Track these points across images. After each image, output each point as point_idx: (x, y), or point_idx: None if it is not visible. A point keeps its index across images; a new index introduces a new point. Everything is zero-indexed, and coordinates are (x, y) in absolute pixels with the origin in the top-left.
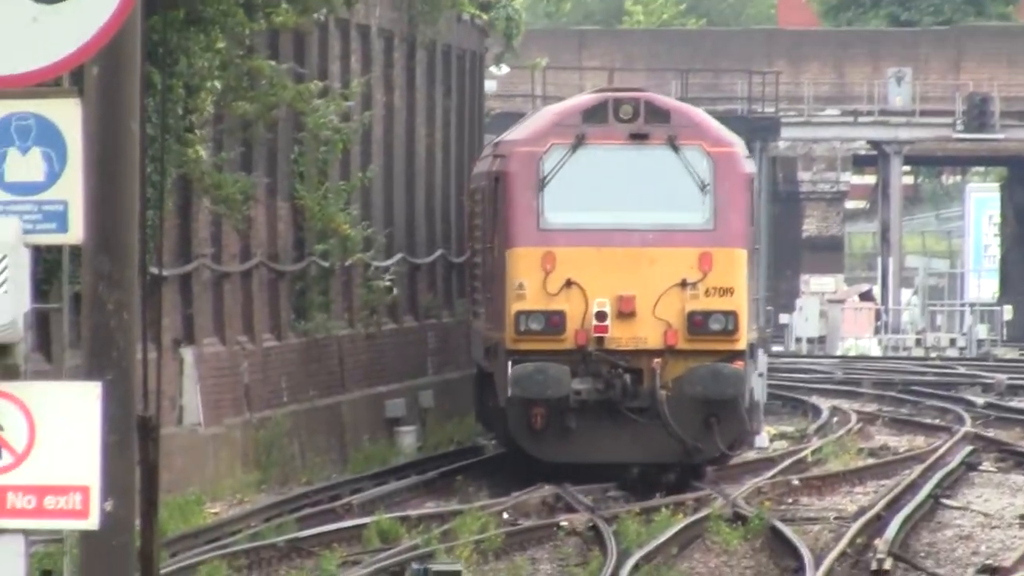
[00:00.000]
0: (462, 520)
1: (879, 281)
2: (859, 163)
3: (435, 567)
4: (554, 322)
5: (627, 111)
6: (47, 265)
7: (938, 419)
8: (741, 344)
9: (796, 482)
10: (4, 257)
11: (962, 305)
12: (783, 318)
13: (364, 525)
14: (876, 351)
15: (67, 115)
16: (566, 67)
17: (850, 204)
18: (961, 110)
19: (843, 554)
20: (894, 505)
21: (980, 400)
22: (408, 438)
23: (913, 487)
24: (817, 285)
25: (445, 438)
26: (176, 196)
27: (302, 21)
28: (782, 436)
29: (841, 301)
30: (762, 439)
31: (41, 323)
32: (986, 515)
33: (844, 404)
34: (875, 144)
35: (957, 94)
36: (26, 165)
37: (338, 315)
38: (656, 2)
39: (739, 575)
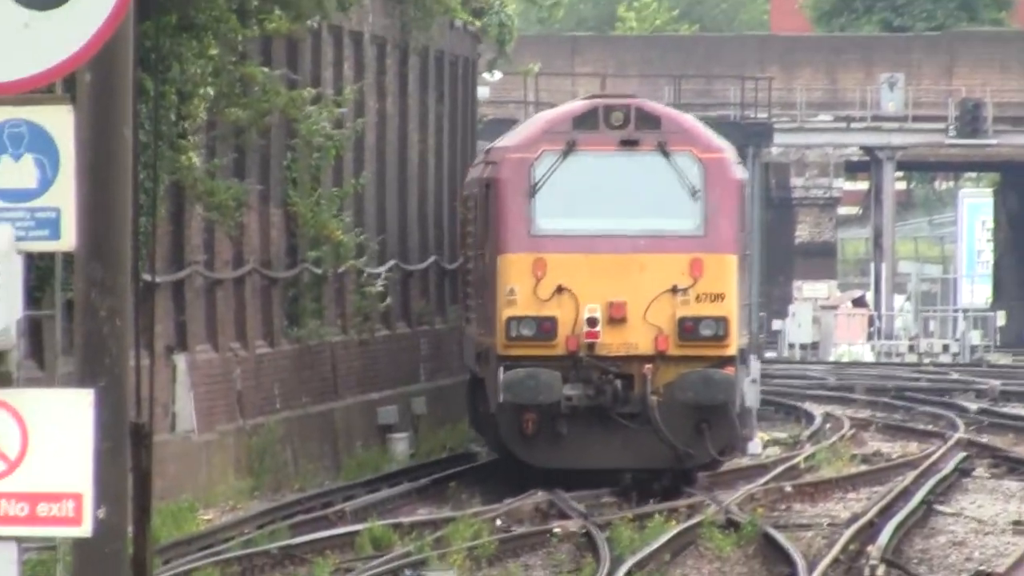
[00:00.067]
0: (455, 527)
1: (872, 287)
2: (852, 169)
3: (428, 574)
4: (545, 328)
5: (618, 118)
6: (40, 272)
7: (931, 425)
8: (732, 350)
9: (789, 488)
10: None
11: (955, 311)
12: (776, 324)
13: (357, 532)
14: (869, 357)
15: (59, 122)
16: (559, 73)
17: (843, 210)
18: (954, 115)
19: (836, 561)
20: (887, 511)
21: (973, 406)
22: (401, 445)
23: (906, 493)
24: (810, 291)
25: (438, 445)
26: (169, 203)
27: (295, 27)
28: (775, 442)
29: (834, 307)
30: (755, 445)
31: (34, 330)
32: (979, 521)
33: (837, 410)
34: (868, 150)
35: (950, 99)
36: (18, 172)
37: (331, 322)
38: (649, 8)
39: None
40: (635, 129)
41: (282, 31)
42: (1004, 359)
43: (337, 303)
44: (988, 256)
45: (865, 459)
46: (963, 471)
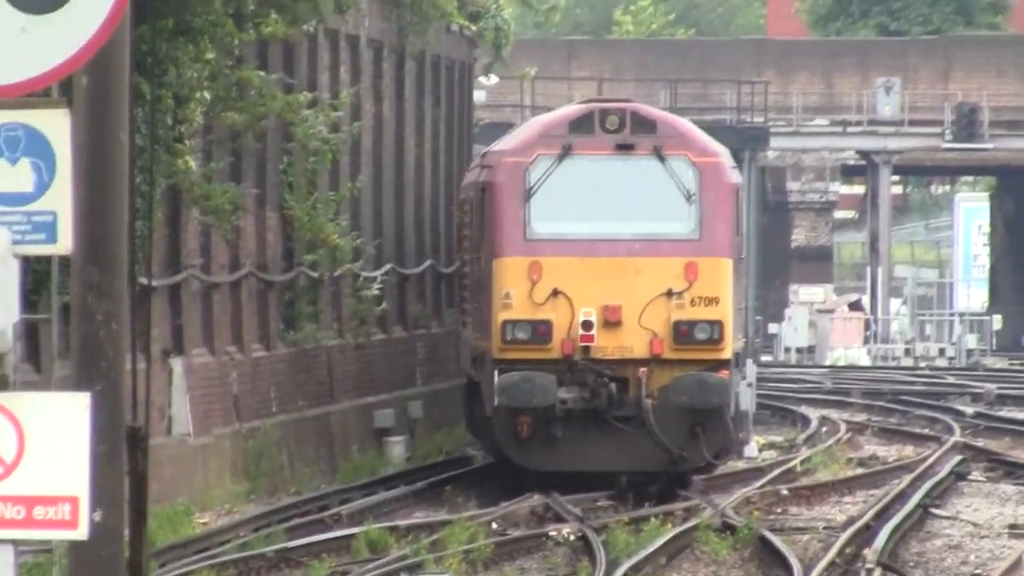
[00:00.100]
0: (451, 530)
1: (868, 291)
2: (848, 173)
3: None
4: (540, 331)
5: (613, 122)
6: (36, 276)
7: (927, 429)
8: (727, 353)
9: (785, 492)
10: None
11: (951, 315)
12: (772, 328)
13: (353, 535)
14: (865, 361)
15: (56, 125)
16: (555, 77)
17: (839, 214)
18: (950, 120)
19: (832, 564)
20: (883, 515)
21: (969, 410)
22: (397, 448)
23: (902, 497)
24: (806, 295)
25: (434, 448)
26: (165, 206)
27: (291, 31)
28: (771, 446)
29: (830, 311)
30: (751, 449)
31: (30, 333)
32: (975, 525)
33: (833, 414)
34: (864, 154)
35: (946, 104)
36: (15, 176)
37: (327, 325)
38: (645, 12)
39: None
40: (631, 133)
41: (278, 35)
42: (1000, 363)
43: (333, 307)
44: (984, 260)
45: (861, 463)
46: (959, 475)
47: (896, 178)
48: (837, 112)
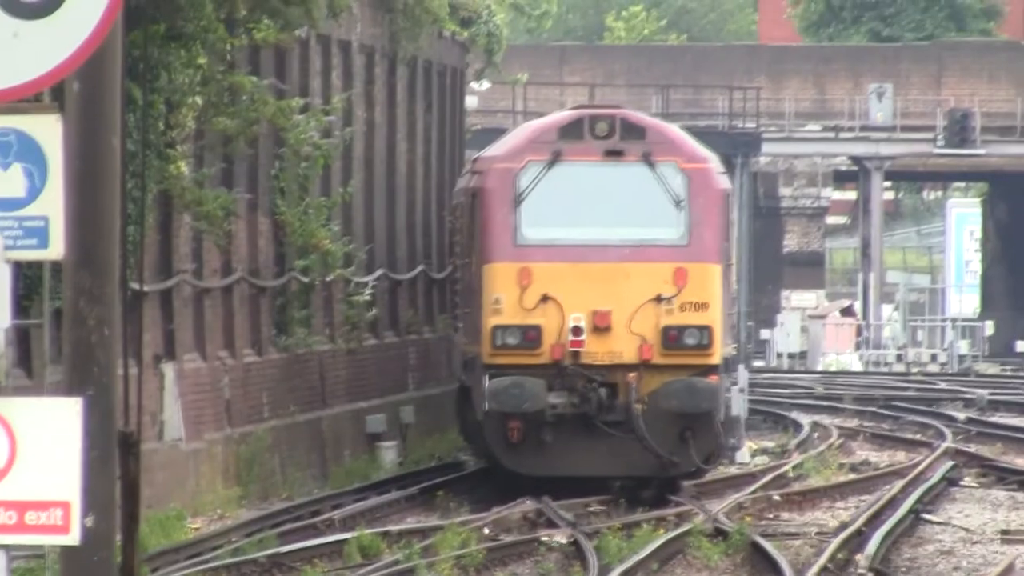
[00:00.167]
0: (443, 535)
1: (860, 296)
2: (840, 178)
3: None
4: (530, 337)
5: (603, 128)
6: (28, 281)
7: (919, 434)
8: (716, 359)
9: (777, 497)
10: None
11: (943, 320)
12: (764, 333)
13: (345, 540)
14: (857, 366)
15: (48, 131)
16: (547, 83)
17: (831, 219)
18: (942, 125)
19: (824, 569)
20: (875, 520)
21: (961, 415)
22: (389, 453)
23: (894, 502)
24: (798, 300)
25: (426, 453)
26: (157, 212)
27: (283, 37)
28: (763, 451)
29: (822, 316)
30: (743, 454)
31: (22, 339)
32: (967, 530)
33: (825, 419)
34: (856, 160)
35: (938, 110)
36: (7, 181)
37: (319, 331)
38: (637, 18)
39: None
40: (620, 139)
41: (270, 40)
42: (992, 369)
43: (325, 312)
44: (976, 266)
45: (853, 468)
46: (951, 480)
47: (888, 184)
48: (829, 118)
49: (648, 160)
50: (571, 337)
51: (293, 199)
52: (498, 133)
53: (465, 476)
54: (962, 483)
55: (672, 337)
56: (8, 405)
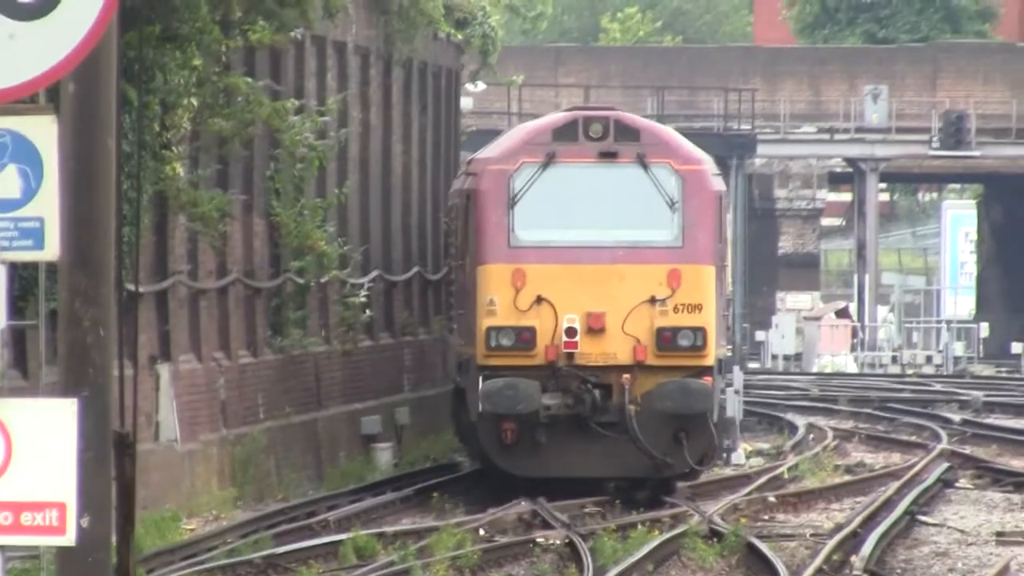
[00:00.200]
0: (438, 537)
1: (855, 298)
2: (835, 180)
3: None
4: (524, 338)
5: (597, 130)
6: (23, 282)
7: (914, 436)
8: (710, 360)
9: (772, 499)
10: None
11: (939, 322)
12: (759, 335)
13: (340, 541)
14: (852, 368)
15: (43, 132)
16: (542, 84)
17: (826, 221)
18: (937, 127)
19: (819, 571)
20: (870, 522)
21: (956, 417)
22: (384, 455)
23: (889, 504)
24: (793, 302)
25: (421, 455)
26: (152, 213)
27: (278, 38)
28: (758, 453)
29: (817, 318)
30: (738, 456)
31: (17, 340)
32: (962, 532)
33: (820, 421)
34: (851, 161)
35: (933, 111)
36: (2, 182)
37: (314, 332)
38: (632, 19)
39: None
40: (614, 141)
41: (265, 42)
42: (987, 370)
43: (320, 313)
44: (971, 268)
45: (848, 470)
46: (946, 482)
47: (883, 185)
48: (824, 119)
49: (642, 162)
50: (565, 338)
51: (288, 200)
52: (493, 134)
53: (460, 477)
54: (957, 485)
55: (666, 338)
56: (4, 406)
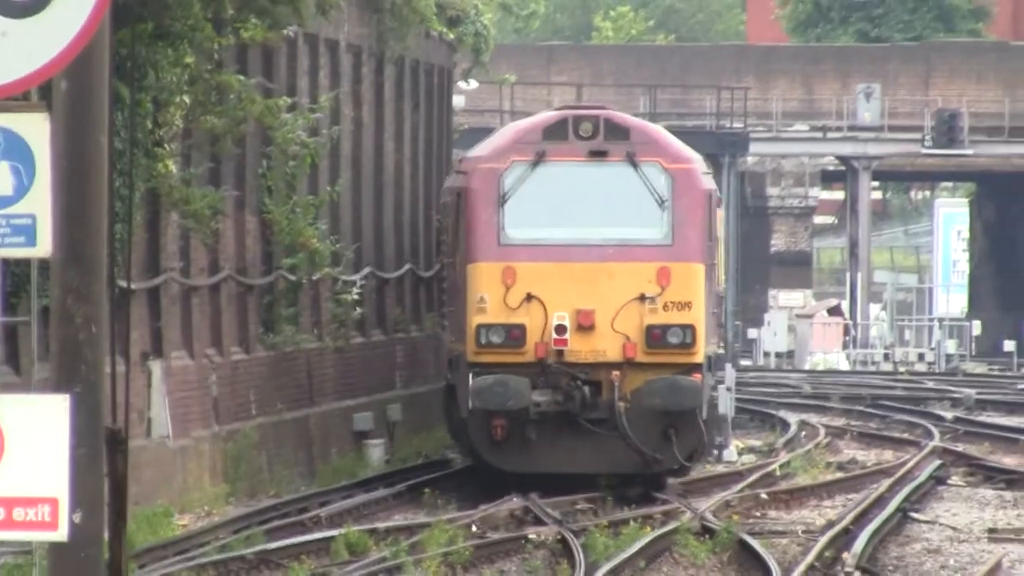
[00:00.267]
0: (430, 533)
1: (847, 296)
2: (827, 178)
3: None
4: (514, 335)
5: (587, 128)
6: (15, 278)
7: (907, 433)
8: (699, 357)
9: (764, 496)
10: None
11: (931, 320)
12: (751, 333)
13: (332, 537)
14: (844, 365)
15: (36, 129)
16: (535, 82)
17: (818, 219)
18: (930, 126)
19: (811, 567)
20: (862, 519)
21: (949, 415)
22: (376, 451)
23: (881, 501)
24: (785, 300)
25: (413, 451)
26: (145, 210)
27: (271, 36)
28: (750, 450)
29: (809, 316)
30: (730, 453)
31: (9, 336)
32: (954, 529)
33: (812, 418)
34: (843, 159)
35: (926, 110)
36: None
37: (306, 329)
38: (625, 18)
39: None
40: (604, 140)
41: (258, 39)
42: (979, 368)
43: (312, 310)
44: (964, 266)
45: (840, 467)
46: (938, 479)
47: (876, 184)
48: (817, 118)
49: (632, 160)
50: (555, 336)
51: (280, 198)
52: (486, 133)
53: (452, 474)
54: (949, 482)
55: (655, 336)
56: None
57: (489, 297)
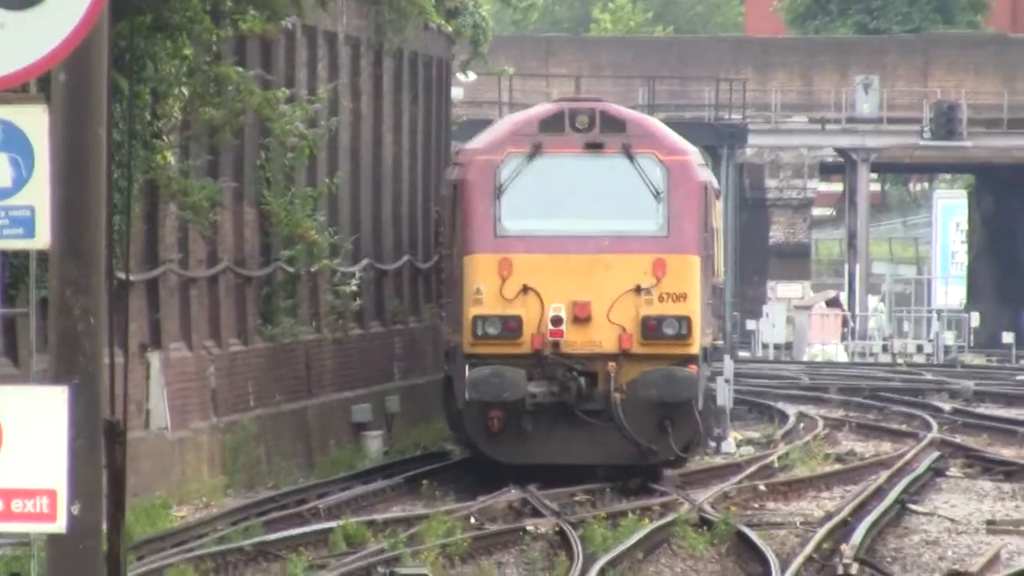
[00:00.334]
0: (428, 524)
1: (846, 288)
2: (826, 170)
3: (401, 571)
4: (511, 326)
5: (583, 121)
6: (14, 270)
7: (905, 425)
8: (694, 348)
9: (763, 487)
10: None
11: (929, 312)
12: (750, 324)
13: (330, 529)
14: (843, 357)
15: (34, 121)
16: (533, 74)
17: (817, 211)
18: (928, 118)
19: (809, 559)
20: (861, 510)
21: (947, 406)
22: (375, 443)
23: (880, 493)
24: (784, 291)
25: (412, 443)
26: (143, 202)
27: (269, 28)
28: (749, 442)
29: (808, 307)
30: (729, 444)
31: (8, 328)
32: (953, 520)
33: (811, 410)
34: (842, 151)
35: (924, 102)
36: None
37: (305, 320)
38: (623, 10)
39: None
40: (600, 132)
41: (256, 31)
42: (978, 360)
43: (311, 302)
44: (962, 257)
45: (839, 458)
46: (937, 471)
47: (874, 175)
48: (816, 110)
49: (628, 152)
50: (551, 327)
51: (279, 189)
52: (484, 124)
53: (450, 465)
54: (948, 473)
55: (651, 327)
56: None
57: (485, 289)
